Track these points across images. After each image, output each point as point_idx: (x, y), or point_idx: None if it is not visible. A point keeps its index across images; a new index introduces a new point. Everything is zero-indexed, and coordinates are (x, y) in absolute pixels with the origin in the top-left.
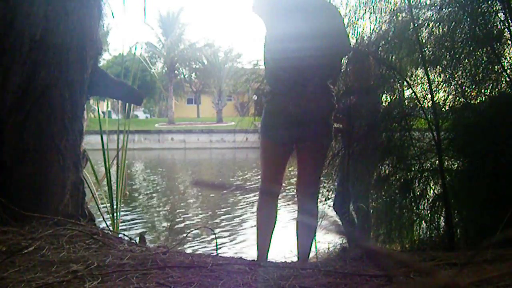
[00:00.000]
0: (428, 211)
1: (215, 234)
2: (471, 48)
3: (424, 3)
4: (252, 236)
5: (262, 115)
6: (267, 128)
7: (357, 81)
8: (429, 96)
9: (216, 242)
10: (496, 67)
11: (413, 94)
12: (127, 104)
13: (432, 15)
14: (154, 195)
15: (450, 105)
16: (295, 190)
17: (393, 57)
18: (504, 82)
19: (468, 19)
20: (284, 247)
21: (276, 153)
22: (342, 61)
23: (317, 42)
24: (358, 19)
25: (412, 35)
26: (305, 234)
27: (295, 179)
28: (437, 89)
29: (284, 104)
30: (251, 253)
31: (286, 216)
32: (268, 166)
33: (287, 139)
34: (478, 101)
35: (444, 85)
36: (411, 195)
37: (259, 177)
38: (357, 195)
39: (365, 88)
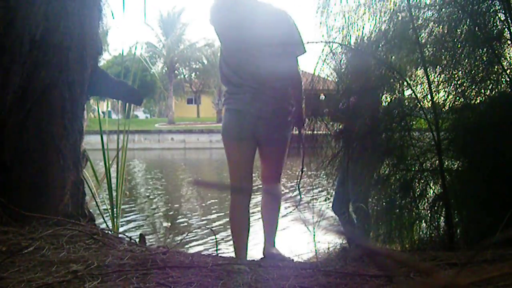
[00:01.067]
0: (428, 211)
1: (215, 234)
2: (471, 48)
3: (424, 3)
4: (253, 235)
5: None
6: (226, 126)
7: (357, 81)
8: (429, 96)
9: (216, 242)
10: (496, 67)
11: (413, 94)
12: (127, 104)
13: (432, 15)
14: (154, 195)
15: (450, 105)
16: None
17: (393, 57)
18: (504, 82)
19: (468, 19)
20: (284, 248)
21: (238, 150)
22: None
23: (267, 47)
24: (358, 19)
25: (412, 35)
26: (269, 212)
27: (296, 180)
28: (437, 89)
29: (239, 103)
30: (251, 253)
31: (287, 218)
32: (233, 164)
33: (245, 135)
34: (478, 101)
35: (444, 85)
36: (411, 195)
37: (260, 177)
38: (357, 195)
39: (365, 88)
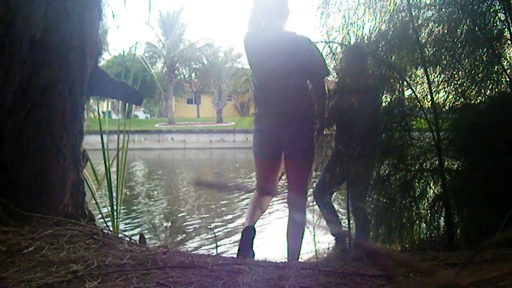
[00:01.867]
0: (428, 211)
1: (215, 234)
2: (471, 48)
3: (424, 3)
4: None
5: None
6: (255, 144)
7: (353, 80)
8: (429, 96)
9: (216, 242)
10: (496, 67)
11: (413, 94)
12: (127, 104)
13: (432, 15)
14: (154, 195)
15: (450, 105)
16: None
17: (393, 57)
18: (504, 82)
19: (468, 19)
20: (284, 248)
21: (263, 166)
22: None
23: (291, 72)
24: (358, 19)
25: (412, 35)
26: (294, 237)
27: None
28: (437, 89)
29: (266, 124)
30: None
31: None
32: (259, 176)
33: (270, 153)
34: (478, 101)
35: (444, 85)
36: (411, 195)
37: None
38: (357, 195)
39: (361, 87)
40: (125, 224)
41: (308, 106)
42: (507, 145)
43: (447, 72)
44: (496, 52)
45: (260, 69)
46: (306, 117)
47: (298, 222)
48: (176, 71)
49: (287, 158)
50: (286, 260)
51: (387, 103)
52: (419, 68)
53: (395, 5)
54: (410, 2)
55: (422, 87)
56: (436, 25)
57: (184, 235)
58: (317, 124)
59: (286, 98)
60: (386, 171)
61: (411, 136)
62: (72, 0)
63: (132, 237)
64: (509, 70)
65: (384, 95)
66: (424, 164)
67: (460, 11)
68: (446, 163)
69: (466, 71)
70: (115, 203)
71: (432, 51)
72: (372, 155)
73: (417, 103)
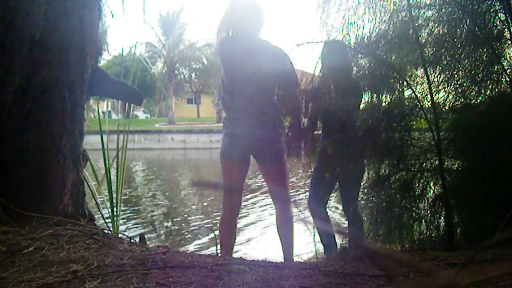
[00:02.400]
0: (428, 211)
1: (215, 234)
2: (471, 48)
3: (424, 3)
4: (252, 236)
5: None
6: (222, 149)
7: (334, 77)
8: (429, 96)
9: (216, 242)
10: (496, 67)
11: (413, 94)
12: (127, 104)
13: (432, 15)
14: (154, 195)
15: (450, 105)
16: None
17: (393, 57)
18: (504, 82)
19: (468, 19)
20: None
21: (231, 171)
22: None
23: (262, 79)
24: (357, 19)
25: (412, 35)
26: (285, 233)
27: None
28: (437, 89)
29: (234, 128)
30: (251, 253)
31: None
32: (226, 182)
33: (239, 157)
34: (478, 101)
35: (444, 85)
36: (411, 195)
37: (258, 178)
38: (354, 197)
39: (343, 84)
40: (125, 224)
41: (276, 111)
42: (507, 145)
43: (447, 72)
44: (496, 52)
45: (232, 75)
46: (275, 122)
47: (285, 217)
48: (176, 71)
49: (261, 164)
50: (282, 256)
51: (387, 103)
52: (419, 68)
53: (395, 5)
54: (410, 2)
55: (422, 87)
56: (436, 25)
57: (184, 235)
58: (284, 128)
59: (255, 103)
60: (386, 171)
61: (411, 136)
62: (72, 0)
63: (132, 237)
64: (509, 70)
65: (384, 95)
66: (424, 164)
67: (460, 11)
68: (446, 163)
69: (466, 71)
70: (115, 203)
71: (432, 51)
72: (361, 155)
73: (417, 103)
